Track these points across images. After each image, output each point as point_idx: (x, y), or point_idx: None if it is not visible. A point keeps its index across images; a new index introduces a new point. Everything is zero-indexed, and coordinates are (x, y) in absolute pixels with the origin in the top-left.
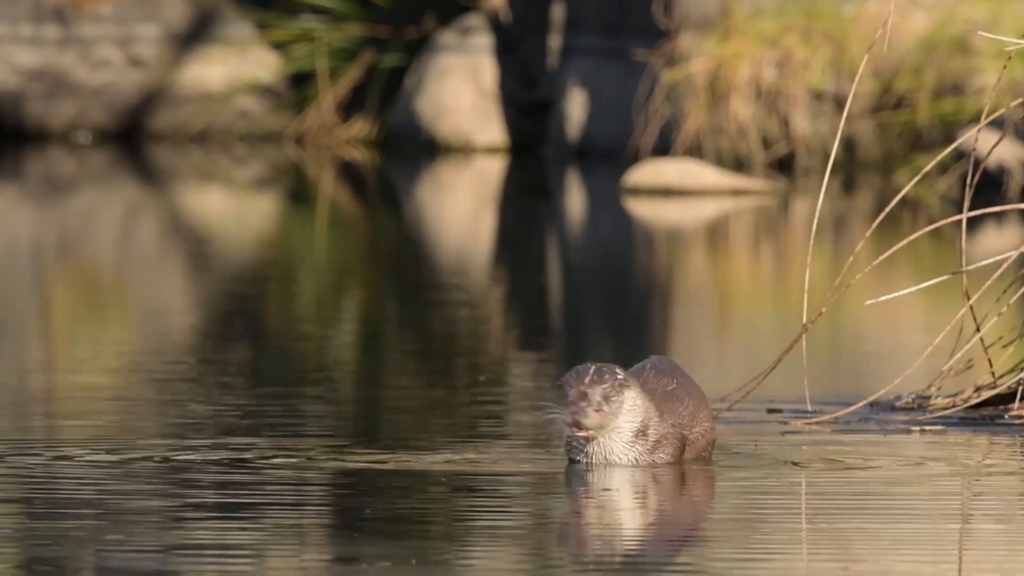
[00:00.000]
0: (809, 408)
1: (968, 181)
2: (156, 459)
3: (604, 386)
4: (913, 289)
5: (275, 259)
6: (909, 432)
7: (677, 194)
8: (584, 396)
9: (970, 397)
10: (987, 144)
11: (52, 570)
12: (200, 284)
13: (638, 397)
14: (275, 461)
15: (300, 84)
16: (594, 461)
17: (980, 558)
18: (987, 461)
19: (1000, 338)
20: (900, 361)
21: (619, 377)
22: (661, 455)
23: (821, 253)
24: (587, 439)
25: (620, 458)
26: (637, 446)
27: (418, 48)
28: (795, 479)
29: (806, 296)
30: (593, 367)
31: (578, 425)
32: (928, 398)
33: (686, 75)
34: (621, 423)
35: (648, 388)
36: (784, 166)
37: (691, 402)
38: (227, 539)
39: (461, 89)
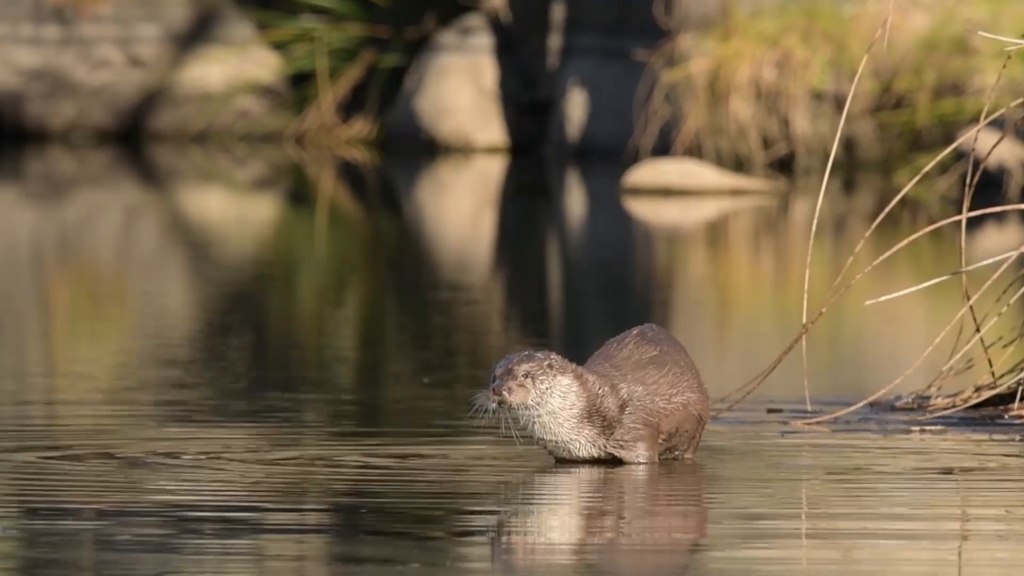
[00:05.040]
0: (809, 408)
1: (968, 181)
2: (156, 458)
3: (531, 364)
4: (913, 289)
5: (275, 259)
6: (909, 432)
7: (677, 194)
8: (509, 372)
9: (970, 397)
10: (987, 144)
11: (53, 571)
12: (200, 284)
13: (574, 384)
14: (275, 459)
15: (300, 84)
16: (556, 455)
17: (980, 558)
18: (986, 461)
19: (1000, 338)
20: (900, 361)
21: (551, 359)
22: (628, 450)
23: (821, 253)
24: (511, 414)
25: (576, 448)
26: (585, 433)
27: (418, 48)
28: (793, 479)
29: (806, 296)
30: (526, 351)
31: (499, 397)
32: (928, 398)
33: (686, 75)
34: (555, 407)
35: (619, 362)
36: (784, 166)
37: (673, 370)
38: (227, 536)
39: (461, 89)
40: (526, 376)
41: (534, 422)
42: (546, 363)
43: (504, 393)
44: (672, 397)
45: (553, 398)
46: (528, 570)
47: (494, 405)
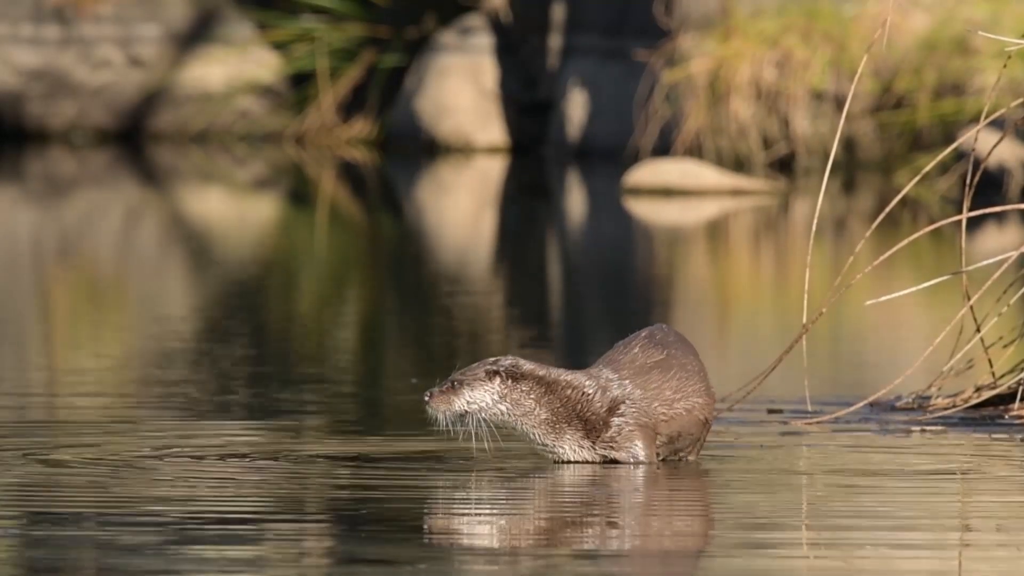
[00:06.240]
0: (809, 408)
1: (968, 181)
2: (155, 458)
3: (469, 372)
4: (913, 289)
5: (275, 259)
6: (909, 432)
7: (677, 194)
8: (448, 379)
9: (970, 397)
10: (987, 144)
11: (54, 572)
12: (200, 285)
13: (534, 391)
14: (276, 459)
15: (300, 84)
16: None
17: (980, 559)
18: (987, 461)
19: (1000, 338)
20: (900, 361)
21: (497, 367)
22: (621, 451)
23: (821, 253)
24: (438, 418)
25: (563, 453)
26: (568, 436)
27: (418, 48)
28: (794, 479)
29: (806, 296)
30: (490, 358)
31: (425, 400)
32: (928, 398)
33: (686, 75)
34: (513, 414)
35: (621, 365)
36: (784, 166)
37: (679, 375)
38: (227, 536)
39: (461, 89)
40: (456, 384)
41: (516, 427)
42: (488, 370)
43: (426, 398)
44: (674, 403)
45: (500, 405)
46: (527, 570)
47: (431, 411)
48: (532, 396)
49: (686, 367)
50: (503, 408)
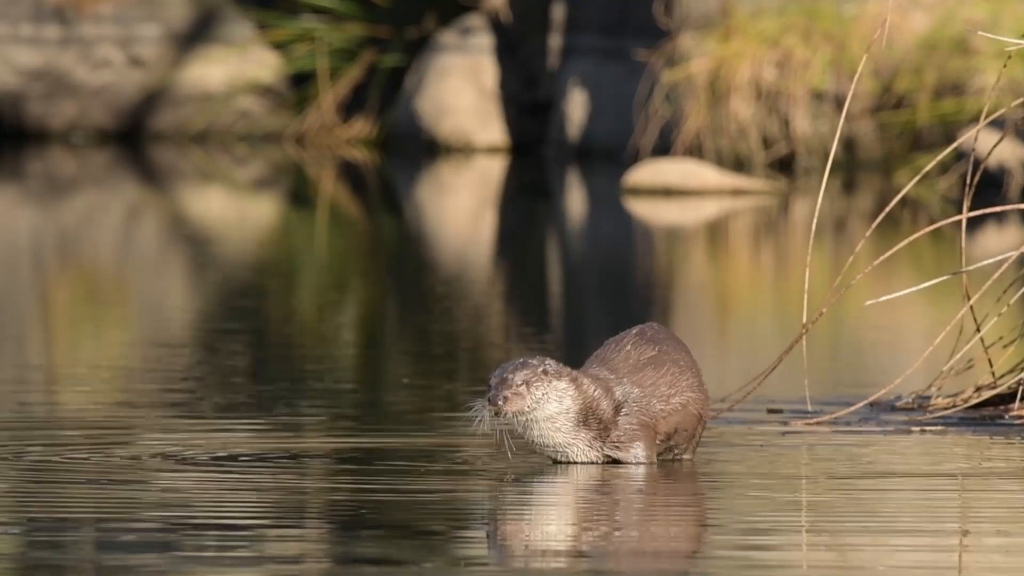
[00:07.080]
0: (809, 408)
1: (968, 181)
2: (154, 458)
3: (525, 372)
4: (913, 289)
5: (275, 260)
6: (909, 432)
7: (677, 194)
8: (504, 381)
9: (970, 397)
10: (987, 144)
11: (53, 569)
12: (200, 285)
13: (569, 388)
14: (276, 459)
15: (300, 84)
16: (554, 459)
17: (979, 559)
18: (987, 461)
19: (1000, 338)
20: (900, 361)
21: (545, 366)
22: (625, 451)
23: (821, 253)
24: (507, 421)
25: (574, 453)
26: (582, 436)
27: (418, 48)
28: (794, 479)
29: (806, 296)
30: (521, 358)
31: (495, 407)
32: (928, 398)
33: (686, 75)
34: (551, 412)
35: (615, 364)
36: (784, 166)
37: (672, 370)
38: (227, 536)
39: (461, 89)
40: (522, 384)
41: (531, 428)
42: (540, 369)
43: (500, 403)
44: (670, 398)
45: (549, 403)
46: (526, 571)
47: (490, 415)
48: (569, 394)
49: (678, 362)
50: (555, 408)
